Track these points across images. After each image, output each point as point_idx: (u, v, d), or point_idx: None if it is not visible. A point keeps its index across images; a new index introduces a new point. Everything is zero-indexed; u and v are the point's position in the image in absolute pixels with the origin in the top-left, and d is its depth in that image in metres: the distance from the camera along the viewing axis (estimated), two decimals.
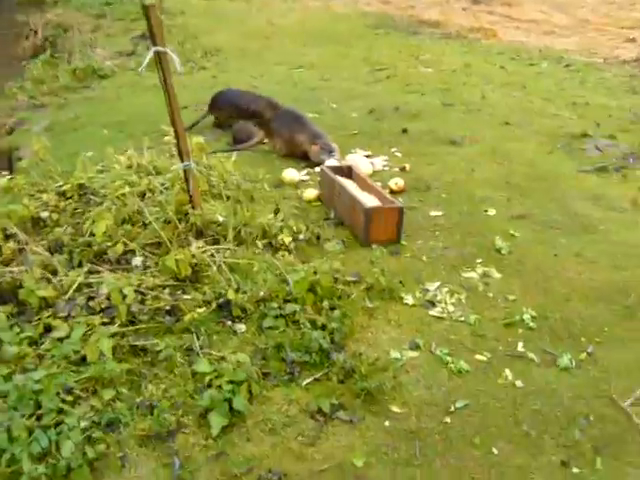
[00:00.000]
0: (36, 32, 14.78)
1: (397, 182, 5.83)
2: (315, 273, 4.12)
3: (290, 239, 4.29)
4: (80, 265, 4.69)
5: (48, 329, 3.92)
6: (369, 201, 5.05)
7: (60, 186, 6.19)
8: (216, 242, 4.62)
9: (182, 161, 4.64)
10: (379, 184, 5.55)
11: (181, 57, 10.89)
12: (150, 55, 4.35)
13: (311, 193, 5.66)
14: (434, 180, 6.01)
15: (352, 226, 5.06)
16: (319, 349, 3.69)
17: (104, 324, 3.80)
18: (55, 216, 5.64)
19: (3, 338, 3.75)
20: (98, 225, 4.38)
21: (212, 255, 4.36)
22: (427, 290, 4.42)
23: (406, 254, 4.85)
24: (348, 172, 5.69)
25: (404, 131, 7.18)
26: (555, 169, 6.35)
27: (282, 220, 4.86)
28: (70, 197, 5.95)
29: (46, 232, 5.52)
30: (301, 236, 4.80)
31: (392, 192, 5.74)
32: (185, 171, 4.66)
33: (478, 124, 7.52)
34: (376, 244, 4.85)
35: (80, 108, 8.88)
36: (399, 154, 6.67)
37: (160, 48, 4.36)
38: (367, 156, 6.57)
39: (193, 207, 4.73)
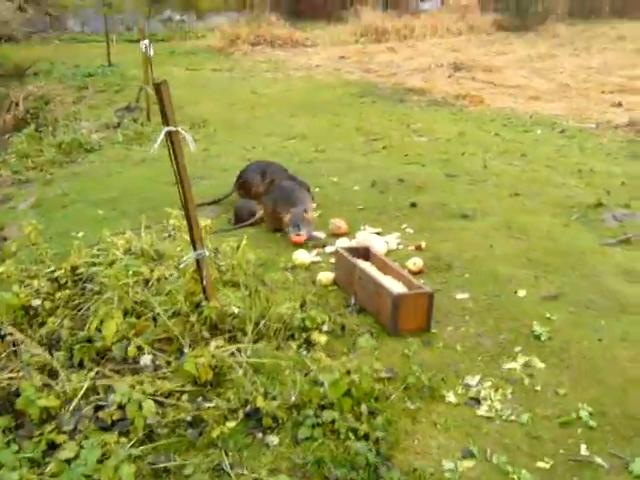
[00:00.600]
0: (17, 104, 14.46)
1: (415, 262, 5.45)
2: (348, 372, 3.70)
3: (325, 338, 3.84)
4: (81, 364, 4.23)
5: (51, 445, 3.44)
6: (395, 287, 4.66)
7: (52, 271, 5.75)
8: (233, 337, 4.18)
9: (195, 249, 4.24)
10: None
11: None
12: (162, 135, 3.98)
13: (326, 276, 5.25)
14: (453, 258, 5.64)
15: (377, 314, 4.65)
16: (366, 464, 3.25)
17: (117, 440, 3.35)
18: (48, 304, 5.21)
19: (1, 459, 3.26)
20: (107, 326, 3.90)
21: (232, 354, 3.91)
22: (468, 385, 4.01)
23: (438, 343, 4.44)
24: (365, 253, 5.30)
25: (413, 205, 6.84)
26: (576, 243, 6.01)
27: (303, 309, 4.44)
28: (64, 284, 5.52)
29: (38, 322, 5.08)
30: (325, 327, 4.38)
31: (410, 273, 5.37)
32: (198, 260, 4.25)
33: (486, 196, 7.20)
34: (405, 333, 4.45)
35: (68, 184, 8.46)
36: (411, 230, 6.30)
37: (172, 128, 3.99)
38: (377, 233, 6.21)
39: (207, 298, 4.30)
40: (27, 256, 5.98)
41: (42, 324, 5.01)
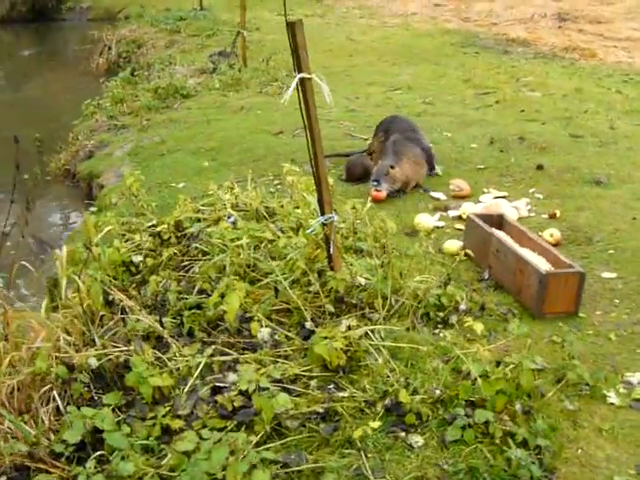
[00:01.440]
0: (110, 48, 14.16)
1: (552, 233, 4.86)
2: (498, 364, 3.20)
3: (481, 326, 3.32)
4: (190, 334, 3.84)
5: (166, 430, 3.06)
6: (541, 263, 4.09)
7: (154, 226, 5.38)
8: (362, 315, 3.71)
9: (322, 213, 3.76)
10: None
11: (267, 76, 10.19)
12: (295, 83, 3.48)
13: (453, 245, 4.72)
14: (593, 230, 5.03)
15: (517, 292, 4.11)
16: (530, 477, 2.75)
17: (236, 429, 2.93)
18: (150, 261, 4.86)
19: (113, 443, 2.88)
20: (230, 301, 3.46)
21: (366, 335, 3.44)
22: (630, 384, 3.46)
23: (588, 330, 3.88)
24: (499, 221, 4.74)
25: (539, 168, 6.20)
26: None
27: (443, 285, 3.92)
28: (167, 239, 5.14)
29: (138, 280, 4.73)
30: (462, 306, 3.87)
31: None
32: (325, 225, 3.77)
33: (619, 160, 6.49)
34: (551, 316, 3.91)
35: (165, 131, 8.08)
36: (540, 195, 5.69)
37: (306, 75, 3.48)
38: (503, 197, 5.63)
39: (332, 268, 3.83)
40: (127, 208, 5.63)
41: (143, 282, 4.69)
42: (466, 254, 4.28)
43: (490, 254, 4.39)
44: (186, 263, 4.71)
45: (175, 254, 4.89)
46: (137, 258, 4.94)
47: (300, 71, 3.46)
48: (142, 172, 7.01)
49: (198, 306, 4.05)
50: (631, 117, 8.06)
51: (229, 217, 5.18)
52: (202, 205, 5.41)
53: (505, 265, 4.22)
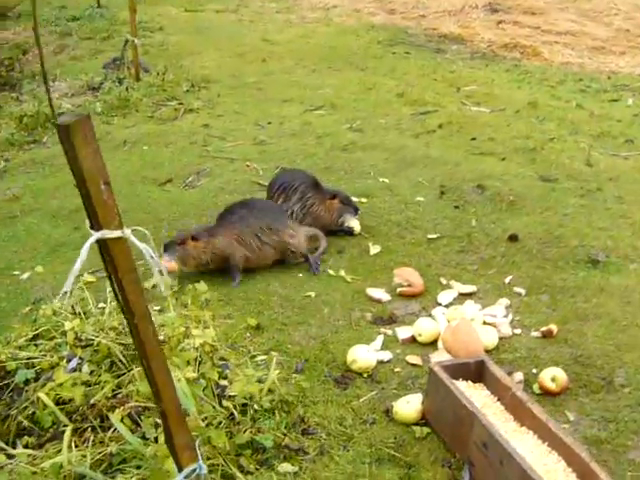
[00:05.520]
0: None
1: (555, 376, 3.11)
2: None
3: None
4: None
5: None
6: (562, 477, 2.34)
7: None
8: None
9: (178, 463, 1.89)
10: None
11: (163, 93, 8.17)
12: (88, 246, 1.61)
13: (409, 408, 2.93)
14: (611, 362, 3.29)
15: None
16: None
17: None
18: None
19: None
20: None
21: None
22: None
23: None
24: (477, 370, 2.96)
25: (512, 239, 4.43)
26: None
27: None
28: None
29: None
30: None
31: (547, 394, 3.08)
32: None
33: (613, 221, 4.74)
34: None
35: (24, 178, 6.06)
36: (521, 290, 3.93)
37: (110, 232, 1.60)
38: (470, 294, 3.86)
39: None
40: None
41: None
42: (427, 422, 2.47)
43: (471, 444, 2.61)
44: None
45: None
46: None
47: (98, 227, 1.58)
48: None
49: None
50: (603, 143, 6.33)
51: (69, 359, 3.31)
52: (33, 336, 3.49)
53: (500, 474, 2.44)
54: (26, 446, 2.89)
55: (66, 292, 1.70)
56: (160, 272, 1.76)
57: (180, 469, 1.86)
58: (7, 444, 2.91)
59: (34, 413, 3.00)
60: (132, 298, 1.65)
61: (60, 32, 12.52)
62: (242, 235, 4.21)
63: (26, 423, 3.00)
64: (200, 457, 1.89)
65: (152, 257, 1.73)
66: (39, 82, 9.27)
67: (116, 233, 1.59)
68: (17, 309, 3.93)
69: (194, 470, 1.88)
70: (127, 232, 1.62)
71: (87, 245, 1.60)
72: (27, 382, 3.22)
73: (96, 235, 1.59)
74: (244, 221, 4.23)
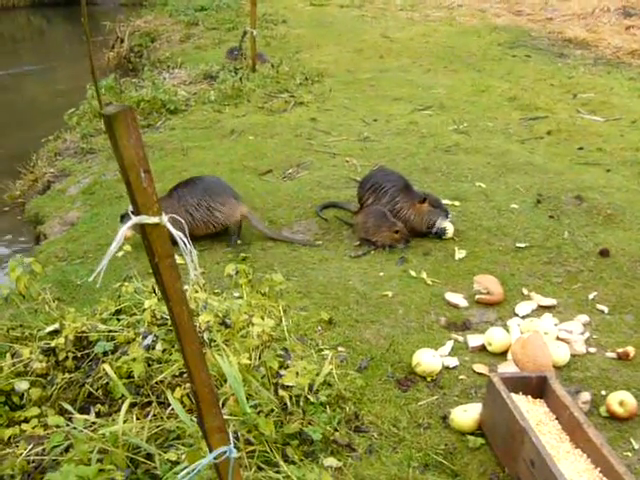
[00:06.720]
0: (122, 41, 12.41)
1: (623, 400, 2.99)
2: None
3: None
4: None
5: None
6: None
7: (56, 332, 3.71)
8: None
9: (208, 445, 1.96)
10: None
11: (275, 85, 8.33)
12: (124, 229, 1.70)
13: (466, 417, 2.89)
14: None
15: None
16: None
17: None
18: (36, 392, 3.35)
19: None
20: None
21: None
22: None
23: None
24: (538, 386, 2.88)
25: (603, 254, 4.28)
26: None
27: None
28: (63, 360, 3.51)
29: (20, 418, 3.17)
30: None
31: (614, 418, 2.96)
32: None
33: None
34: None
35: None
36: (604, 308, 3.79)
37: (149, 218, 1.68)
38: (549, 308, 3.75)
39: None
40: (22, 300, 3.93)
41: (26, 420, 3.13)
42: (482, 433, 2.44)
43: (521, 460, 2.55)
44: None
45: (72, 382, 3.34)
46: (21, 385, 3.38)
47: (137, 212, 1.66)
48: (84, 225, 5.37)
49: None
50: None
51: (145, 336, 3.46)
52: (116, 311, 3.68)
53: None
54: (98, 413, 3.06)
55: (99, 271, 1.77)
56: (191, 260, 1.82)
57: (211, 450, 1.93)
58: (81, 410, 3.09)
59: (107, 383, 3.16)
60: (168, 282, 1.72)
61: (187, 22, 12.99)
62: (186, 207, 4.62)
63: (100, 392, 3.18)
64: (232, 441, 1.94)
65: (185, 245, 1.80)
66: (160, 69, 9.69)
67: (153, 219, 1.67)
68: (109, 285, 4.12)
69: (224, 452, 1.94)
70: (164, 219, 1.69)
71: (124, 228, 1.69)
72: (105, 353, 3.39)
73: (134, 219, 1.67)
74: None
